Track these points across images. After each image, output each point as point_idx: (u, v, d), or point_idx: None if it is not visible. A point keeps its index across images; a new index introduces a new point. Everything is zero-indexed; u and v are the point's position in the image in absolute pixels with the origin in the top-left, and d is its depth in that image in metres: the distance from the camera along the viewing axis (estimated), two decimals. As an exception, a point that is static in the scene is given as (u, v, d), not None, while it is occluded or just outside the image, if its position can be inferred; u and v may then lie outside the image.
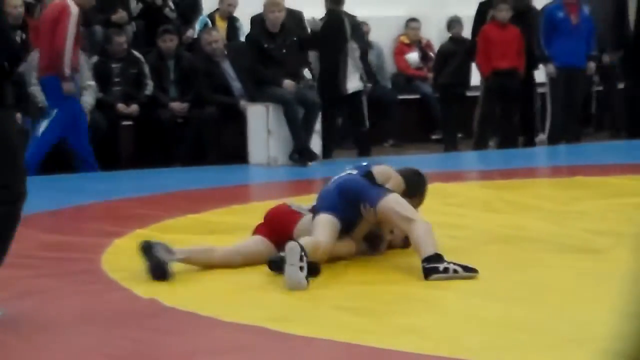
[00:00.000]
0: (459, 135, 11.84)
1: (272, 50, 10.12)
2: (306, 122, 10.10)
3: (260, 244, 5.40)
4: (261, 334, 4.14)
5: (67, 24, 9.33)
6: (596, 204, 6.97)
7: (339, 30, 10.60)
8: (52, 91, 9.57)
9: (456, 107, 11.70)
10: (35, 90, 9.85)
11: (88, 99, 9.97)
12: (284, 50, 10.13)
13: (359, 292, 4.84)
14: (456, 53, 11.76)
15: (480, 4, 11.60)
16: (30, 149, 9.24)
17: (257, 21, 10.58)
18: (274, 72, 10.13)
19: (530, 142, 11.60)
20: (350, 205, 5.28)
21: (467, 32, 11.86)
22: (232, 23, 11.69)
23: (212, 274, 5.20)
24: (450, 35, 12.11)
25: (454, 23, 12.08)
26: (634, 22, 11.70)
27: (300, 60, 10.55)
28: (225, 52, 10.64)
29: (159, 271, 5.05)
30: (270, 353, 3.99)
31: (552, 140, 11.47)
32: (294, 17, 10.82)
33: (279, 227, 5.40)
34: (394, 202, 5.23)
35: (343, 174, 5.47)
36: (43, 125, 9.56)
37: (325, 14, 10.73)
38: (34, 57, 9.93)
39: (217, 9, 11.70)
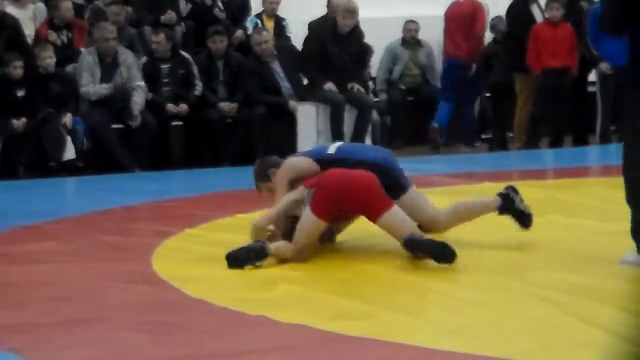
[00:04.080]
0: (510, 134, 11.75)
1: (335, 54, 10.35)
2: (359, 123, 10.38)
3: None
4: (311, 333, 4.14)
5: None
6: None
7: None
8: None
9: (505, 107, 11.60)
10: (86, 90, 9.92)
11: (138, 100, 10.03)
12: (347, 57, 10.40)
13: (404, 292, 4.83)
14: (499, 53, 11.68)
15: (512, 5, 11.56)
16: None
17: (321, 24, 10.77)
18: (330, 75, 10.37)
19: (581, 142, 11.50)
20: None
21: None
22: (279, 22, 11.71)
23: (261, 273, 5.19)
24: (493, 35, 12.03)
25: (497, 23, 11.97)
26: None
27: (360, 68, 10.78)
28: (275, 53, 10.66)
29: None
30: (319, 353, 3.98)
31: (603, 139, 11.35)
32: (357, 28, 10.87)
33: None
34: None
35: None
36: None
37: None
38: (84, 58, 10.01)
39: (263, 9, 11.74)
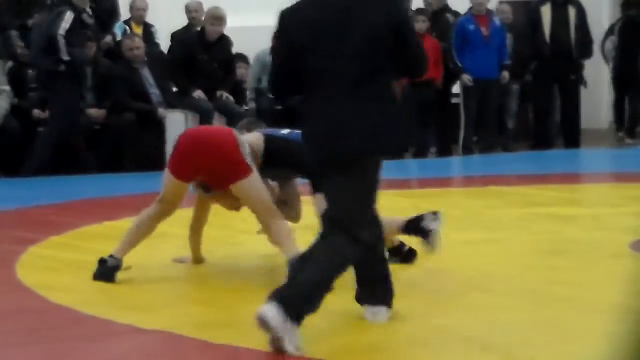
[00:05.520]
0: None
1: (203, 62, 10.37)
2: None
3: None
4: (178, 341, 4.16)
5: None
6: (508, 213, 7.12)
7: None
8: None
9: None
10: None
11: (3, 104, 9.87)
12: (216, 64, 10.44)
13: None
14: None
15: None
16: None
17: (185, 33, 10.77)
18: (199, 83, 10.38)
19: (445, 152, 11.76)
20: None
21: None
22: (148, 29, 11.67)
23: (131, 281, 5.18)
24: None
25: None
26: (549, 35, 11.86)
27: (230, 75, 10.79)
28: (145, 59, 10.63)
29: None
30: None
31: (466, 150, 11.65)
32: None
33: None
34: None
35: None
36: None
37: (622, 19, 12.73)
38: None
39: (132, 16, 11.69)
